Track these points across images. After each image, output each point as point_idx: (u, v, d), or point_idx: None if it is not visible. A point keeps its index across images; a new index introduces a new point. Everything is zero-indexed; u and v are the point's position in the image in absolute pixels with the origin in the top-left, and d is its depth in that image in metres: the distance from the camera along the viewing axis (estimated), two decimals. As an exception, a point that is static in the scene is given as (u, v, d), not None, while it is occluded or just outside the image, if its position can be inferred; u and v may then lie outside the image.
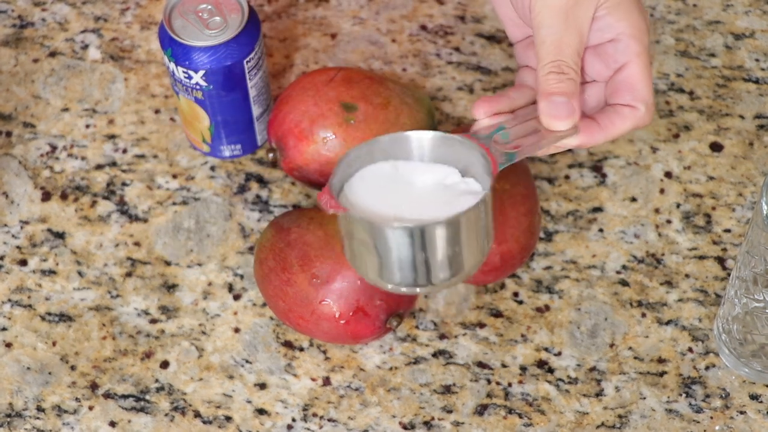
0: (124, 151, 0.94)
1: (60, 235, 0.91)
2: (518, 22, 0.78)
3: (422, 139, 0.74)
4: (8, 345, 0.87)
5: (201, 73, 0.85)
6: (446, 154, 0.73)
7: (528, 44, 0.78)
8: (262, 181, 0.93)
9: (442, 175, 0.73)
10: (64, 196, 0.92)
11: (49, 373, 0.86)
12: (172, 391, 0.85)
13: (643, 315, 0.87)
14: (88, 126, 0.95)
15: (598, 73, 0.75)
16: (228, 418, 0.84)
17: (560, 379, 0.85)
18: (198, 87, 0.86)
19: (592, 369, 0.85)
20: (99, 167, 0.94)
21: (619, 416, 0.83)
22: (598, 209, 0.91)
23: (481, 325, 0.87)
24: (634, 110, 0.73)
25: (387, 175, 0.73)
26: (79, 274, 0.89)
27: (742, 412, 0.83)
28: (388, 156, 0.74)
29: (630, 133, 0.94)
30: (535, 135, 0.73)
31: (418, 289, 0.72)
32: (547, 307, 0.87)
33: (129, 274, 0.89)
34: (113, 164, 0.94)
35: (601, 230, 0.90)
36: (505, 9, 0.78)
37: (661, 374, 0.85)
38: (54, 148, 0.94)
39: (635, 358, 0.86)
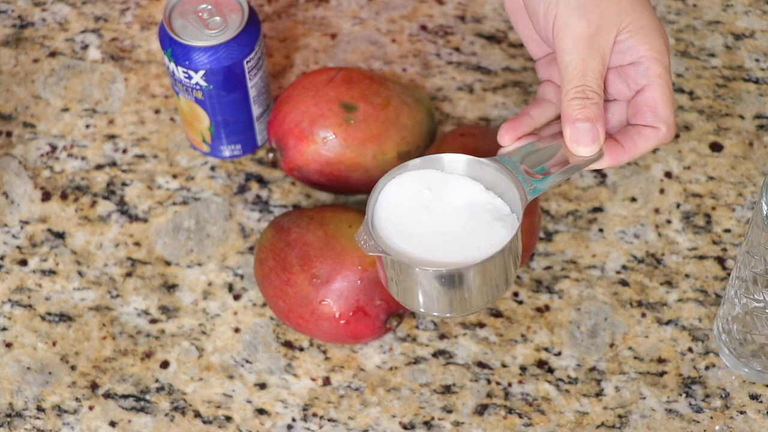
0: (124, 151, 0.94)
1: (60, 235, 0.91)
2: (539, 41, 0.79)
3: (453, 161, 0.75)
4: (8, 345, 0.87)
5: (201, 73, 0.85)
6: (476, 176, 0.75)
7: (550, 60, 0.79)
8: (262, 181, 0.93)
9: (470, 190, 0.74)
10: (64, 196, 0.92)
11: (49, 373, 0.86)
12: (172, 391, 0.85)
13: (643, 315, 0.87)
14: (88, 126, 0.95)
15: (620, 93, 0.76)
16: (228, 418, 0.84)
17: (560, 379, 0.85)
18: (198, 87, 0.86)
19: (592, 369, 0.85)
20: (99, 167, 0.94)
21: (619, 416, 0.84)
22: (598, 209, 0.91)
23: (481, 325, 0.87)
24: (656, 131, 0.74)
25: (415, 192, 0.74)
26: (79, 274, 0.89)
27: (742, 412, 0.83)
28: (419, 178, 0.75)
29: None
30: (562, 163, 0.74)
31: (449, 315, 0.74)
32: (547, 307, 0.87)
33: (129, 274, 0.89)
34: (113, 164, 0.94)
35: (601, 230, 0.90)
36: (525, 29, 0.79)
37: (661, 374, 0.85)
38: (54, 148, 0.95)
39: (635, 358, 0.86)
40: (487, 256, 0.71)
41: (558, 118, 0.78)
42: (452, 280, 0.71)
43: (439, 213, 0.74)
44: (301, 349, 0.86)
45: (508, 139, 0.75)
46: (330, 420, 0.84)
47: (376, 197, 0.74)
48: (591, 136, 0.73)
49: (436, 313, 0.74)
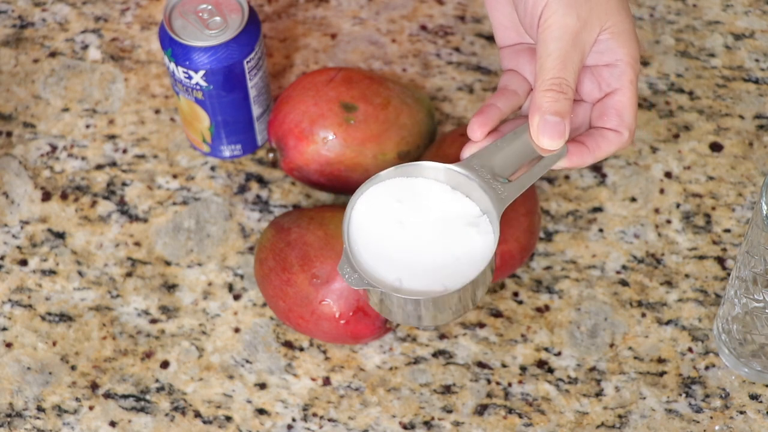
0: (124, 151, 0.94)
1: (60, 235, 0.91)
2: (510, 27, 0.79)
3: (425, 168, 0.75)
4: (8, 345, 0.87)
5: (201, 73, 0.85)
6: (446, 180, 0.75)
7: (518, 50, 0.79)
8: (262, 181, 0.93)
9: (438, 195, 0.74)
10: (64, 196, 0.93)
11: (50, 373, 0.86)
12: (172, 391, 0.85)
13: (643, 315, 0.87)
14: (88, 126, 0.95)
15: (588, 93, 0.76)
16: (228, 418, 0.84)
17: (560, 379, 0.85)
18: (198, 87, 0.86)
19: (592, 369, 0.85)
20: (99, 167, 0.94)
21: (619, 416, 0.84)
22: (598, 209, 0.91)
23: (481, 325, 0.87)
24: (619, 135, 0.75)
25: (386, 207, 0.74)
26: (79, 274, 0.89)
27: (741, 412, 0.83)
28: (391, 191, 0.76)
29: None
30: (528, 164, 0.74)
31: (428, 325, 0.76)
32: (547, 307, 0.87)
33: (129, 274, 0.89)
34: (113, 164, 0.94)
35: (601, 230, 0.90)
36: (498, 14, 0.79)
37: (661, 374, 0.85)
38: (54, 148, 0.95)
39: (635, 358, 0.86)
40: (469, 280, 0.71)
41: (521, 108, 0.78)
42: (435, 303, 0.72)
43: (413, 228, 0.74)
44: (301, 349, 0.86)
45: (479, 134, 0.75)
46: (330, 420, 0.84)
47: (349, 217, 0.74)
48: (558, 130, 0.73)
49: (419, 326, 0.74)
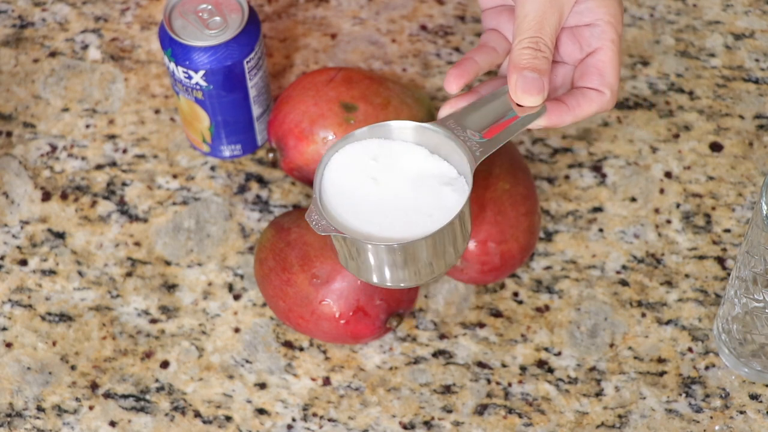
0: (124, 151, 0.94)
1: (60, 235, 0.91)
2: None
3: (398, 128, 0.75)
4: (8, 345, 0.87)
5: (201, 73, 0.85)
6: (421, 141, 0.75)
7: (500, 11, 0.79)
8: (262, 181, 0.93)
9: (415, 156, 0.74)
10: (64, 196, 0.93)
11: (50, 373, 0.86)
12: (172, 391, 0.85)
13: (643, 315, 0.87)
14: (88, 126, 0.95)
15: (570, 55, 0.76)
16: (228, 418, 0.84)
17: (560, 379, 0.85)
18: (198, 87, 0.86)
19: (592, 369, 0.85)
20: (99, 167, 0.94)
21: (619, 416, 0.84)
22: (598, 209, 0.91)
23: (481, 325, 0.87)
24: (601, 95, 0.75)
25: (361, 164, 0.74)
26: (80, 274, 0.89)
27: (741, 412, 0.83)
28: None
29: (613, 127, 0.94)
30: (504, 121, 0.74)
31: (402, 284, 0.74)
32: (547, 307, 0.87)
33: (129, 274, 0.89)
34: (113, 164, 0.94)
35: (601, 230, 0.90)
36: None
37: (661, 374, 0.85)
38: (54, 148, 0.95)
39: (635, 357, 0.86)
40: (438, 227, 0.71)
41: (499, 67, 0.78)
42: (405, 252, 0.71)
43: (388, 184, 0.74)
44: (301, 349, 0.86)
45: (455, 86, 0.75)
46: (330, 420, 0.84)
47: (322, 172, 0.74)
48: (537, 86, 0.73)
49: (390, 284, 0.74)
